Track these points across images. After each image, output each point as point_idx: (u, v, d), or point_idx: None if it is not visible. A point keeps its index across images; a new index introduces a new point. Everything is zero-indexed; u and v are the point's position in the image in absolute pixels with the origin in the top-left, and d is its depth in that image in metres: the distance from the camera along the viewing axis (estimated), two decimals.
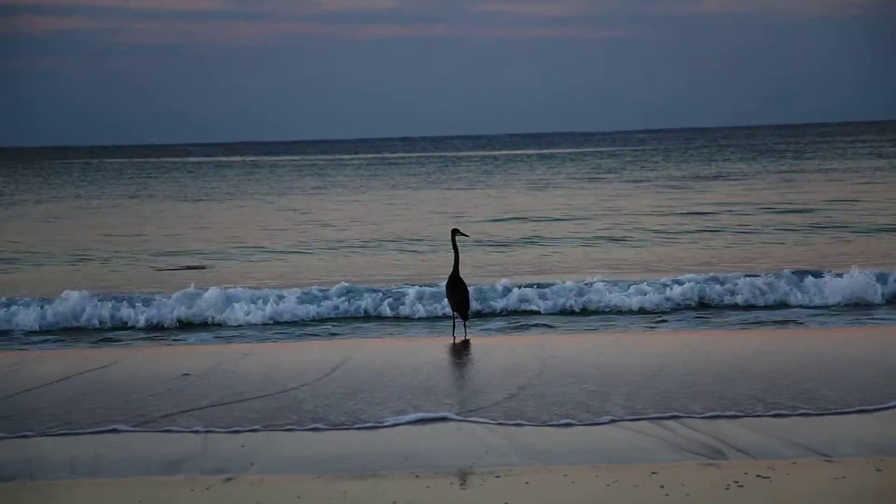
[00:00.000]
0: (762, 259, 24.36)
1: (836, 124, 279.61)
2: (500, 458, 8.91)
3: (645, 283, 19.64)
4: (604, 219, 36.10)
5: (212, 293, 18.92)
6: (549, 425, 9.81)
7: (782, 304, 19.09)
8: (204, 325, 18.31)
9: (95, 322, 18.34)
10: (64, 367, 13.23)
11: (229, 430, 9.97)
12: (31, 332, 17.90)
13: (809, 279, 19.55)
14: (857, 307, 18.71)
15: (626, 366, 12.50)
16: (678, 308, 18.92)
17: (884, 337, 15.31)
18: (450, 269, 15.33)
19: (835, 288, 19.16)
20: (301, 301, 18.92)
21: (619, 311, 18.83)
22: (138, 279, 23.77)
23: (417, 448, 9.26)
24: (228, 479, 8.51)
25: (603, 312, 18.80)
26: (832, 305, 18.86)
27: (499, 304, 18.93)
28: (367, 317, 18.80)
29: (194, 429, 9.95)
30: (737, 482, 8.07)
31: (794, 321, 17.52)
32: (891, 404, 10.38)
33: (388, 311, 18.86)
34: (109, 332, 18.03)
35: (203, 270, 25.40)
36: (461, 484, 8.25)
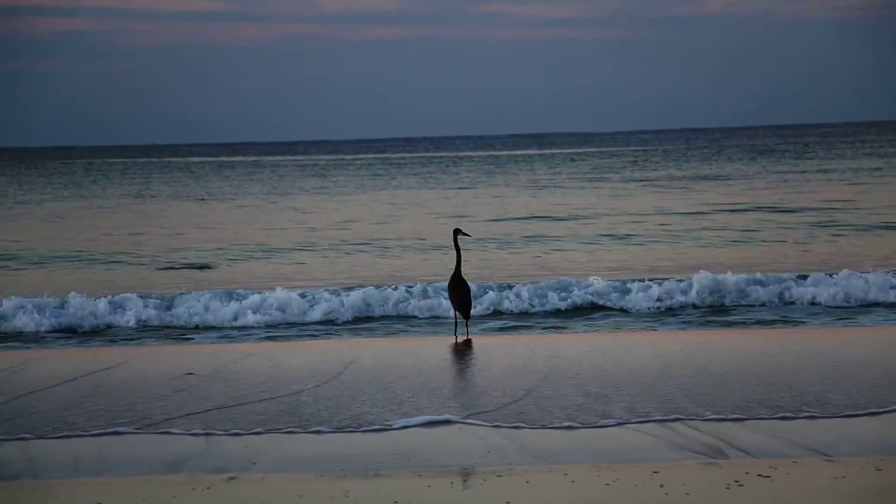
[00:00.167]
0: (765, 259, 24.37)
1: (837, 125, 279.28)
2: (501, 457, 8.93)
3: (646, 281, 19.66)
4: (605, 218, 36.12)
5: (216, 295, 18.96)
6: (550, 427, 9.81)
7: (788, 304, 19.08)
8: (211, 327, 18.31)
9: (101, 323, 18.33)
10: (70, 368, 13.24)
11: (229, 433, 9.99)
12: (41, 333, 17.91)
13: (812, 279, 19.58)
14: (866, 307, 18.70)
15: (627, 367, 12.51)
16: (681, 307, 18.93)
17: (887, 337, 15.34)
18: (452, 269, 15.35)
19: (840, 288, 19.13)
20: (305, 301, 18.93)
21: (622, 310, 18.85)
22: (143, 279, 23.79)
23: (420, 449, 9.28)
24: (231, 479, 8.54)
25: (603, 311, 18.83)
26: (839, 307, 18.81)
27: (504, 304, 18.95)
28: (370, 317, 18.81)
29: (193, 431, 9.94)
30: (737, 481, 8.09)
31: (797, 321, 17.55)
32: (894, 408, 10.37)
33: (391, 311, 18.88)
34: (115, 330, 18.04)
35: (208, 270, 25.42)
36: (463, 483, 8.27)
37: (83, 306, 18.53)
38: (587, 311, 18.85)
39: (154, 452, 9.36)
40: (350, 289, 19.68)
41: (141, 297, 19.26)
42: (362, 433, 9.79)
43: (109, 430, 10.02)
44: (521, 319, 18.35)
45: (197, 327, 18.25)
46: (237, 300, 18.93)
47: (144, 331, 18.04)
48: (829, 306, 18.84)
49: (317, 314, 18.64)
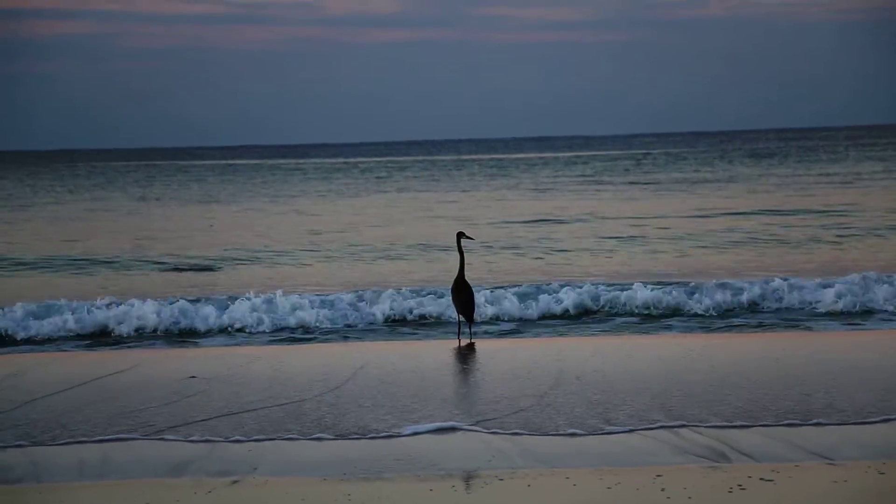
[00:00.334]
0: (771, 262, 24.38)
1: (839, 128, 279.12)
2: (504, 461, 8.93)
3: (648, 285, 19.67)
4: (609, 221, 36.12)
5: (221, 298, 18.99)
6: (554, 434, 9.77)
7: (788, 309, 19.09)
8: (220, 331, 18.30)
9: (108, 327, 18.30)
10: (74, 373, 13.26)
11: (229, 440, 9.99)
12: (54, 337, 17.91)
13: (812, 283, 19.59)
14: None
15: (631, 371, 12.51)
16: (687, 311, 18.93)
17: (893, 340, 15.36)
18: (455, 273, 15.36)
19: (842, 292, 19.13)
20: (312, 305, 18.93)
21: (630, 314, 18.86)
22: (148, 282, 23.83)
23: (423, 453, 9.28)
24: (234, 482, 8.56)
25: (607, 315, 18.83)
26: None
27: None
28: (373, 321, 18.79)
29: (191, 438, 9.92)
30: (740, 485, 8.10)
31: (802, 325, 17.55)
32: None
33: (396, 315, 18.86)
34: (120, 333, 18.04)
35: (214, 273, 25.45)
36: (465, 486, 8.29)
37: (89, 310, 18.53)
38: (589, 314, 18.84)
39: (158, 456, 9.37)
40: (356, 293, 19.70)
41: (144, 300, 19.26)
42: (368, 440, 9.77)
43: (111, 437, 10.00)
44: (522, 323, 18.37)
45: (200, 331, 18.23)
46: (243, 302, 18.93)
47: (149, 335, 18.03)
48: (842, 312, 18.73)
49: (323, 318, 18.60)
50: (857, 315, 18.42)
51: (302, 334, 17.81)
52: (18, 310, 18.47)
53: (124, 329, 18.20)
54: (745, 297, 19.18)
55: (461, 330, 15.50)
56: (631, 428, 9.85)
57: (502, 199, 50.75)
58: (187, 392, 11.76)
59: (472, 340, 15.20)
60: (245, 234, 35.29)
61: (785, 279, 19.83)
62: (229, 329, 18.24)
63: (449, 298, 17.29)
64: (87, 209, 51.18)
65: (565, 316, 18.85)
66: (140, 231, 37.57)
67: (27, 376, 13.01)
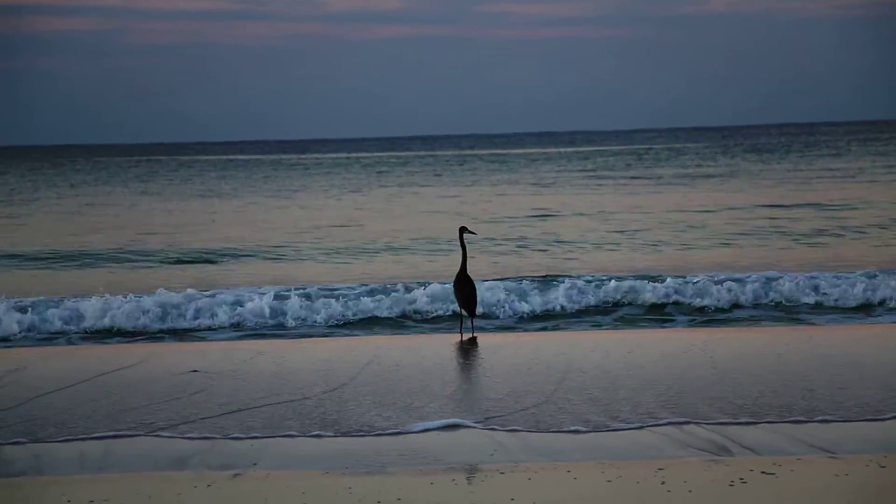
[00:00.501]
0: (776, 259, 24.37)
1: (840, 123, 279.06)
2: (506, 455, 8.93)
3: (646, 280, 19.67)
4: (610, 216, 36.11)
5: (227, 293, 19.01)
6: (554, 431, 9.74)
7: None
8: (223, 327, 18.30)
9: (114, 322, 18.29)
10: (76, 369, 13.25)
11: (229, 437, 9.98)
12: (53, 331, 17.91)
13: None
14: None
15: (633, 366, 12.51)
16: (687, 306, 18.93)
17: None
18: (458, 267, 15.36)
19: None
20: (316, 299, 18.93)
21: (631, 307, 18.84)
22: (152, 277, 23.83)
23: (425, 447, 9.27)
24: (235, 475, 8.56)
25: (609, 309, 18.83)
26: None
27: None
28: (375, 317, 18.78)
29: (188, 435, 9.89)
30: (741, 478, 8.10)
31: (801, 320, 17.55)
32: None
33: (399, 310, 18.86)
34: (123, 328, 18.05)
35: (214, 267, 25.46)
36: (466, 480, 8.29)
37: (96, 306, 18.53)
38: (591, 310, 18.84)
39: (159, 450, 9.38)
40: (360, 287, 19.70)
41: (141, 296, 19.26)
42: (371, 437, 9.73)
43: (111, 434, 9.95)
44: (523, 317, 18.37)
45: (201, 326, 18.24)
46: (249, 298, 18.94)
47: (152, 330, 18.02)
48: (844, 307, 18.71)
49: (326, 314, 18.60)
50: (860, 309, 18.42)
51: (304, 328, 17.83)
52: (35, 303, 18.55)
53: (129, 323, 18.20)
54: (747, 291, 19.16)
55: (463, 324, 15.50)
56: (636, 425, 9.81)
57: (503, 195, 50.75)
58: (190, 389, 11.73)
59: (474, 334, 15.20)
60: (246, 229, 35.30)
61: (787, 274, 19.82)
62: (232, 324, 18.24)
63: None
64: (87, 204, 51.18)
65: (567, 310, 18.84)
66: (141, 225, 37.58)
67: (30, 371, 13.01)
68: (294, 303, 18.76)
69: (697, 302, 18.95)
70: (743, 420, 9.88)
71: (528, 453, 8.99)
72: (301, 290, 19.46)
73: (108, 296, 18.87)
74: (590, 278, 20.00)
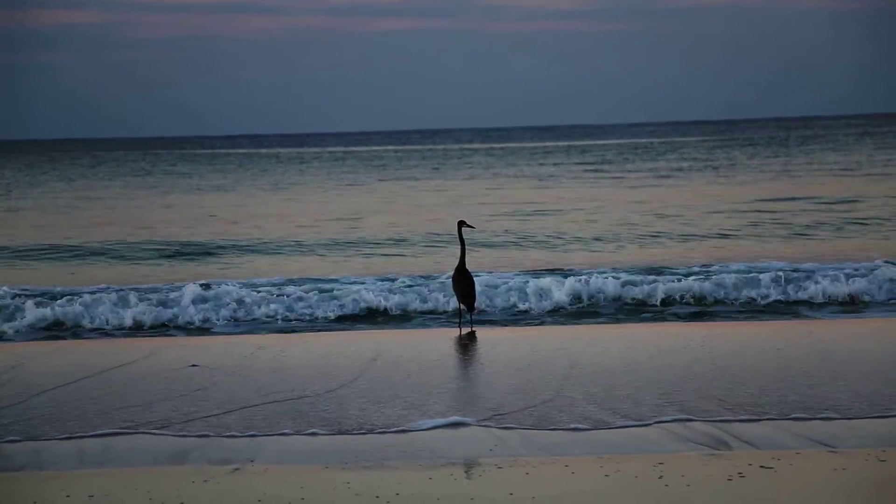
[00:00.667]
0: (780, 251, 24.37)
1: (836, 117, 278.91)
2: (506, 450, 8.93)
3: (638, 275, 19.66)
4: (609, 209, 36.11)
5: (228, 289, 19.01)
6: (551, 429, 9.69)
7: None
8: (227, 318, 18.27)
9: (114, 315, 18.26)
10: (76, 365, 13.25)
11: (225, 435, 9.98)
12: (48, 327, 17.87)
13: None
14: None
15: (630, 361, 12.50)
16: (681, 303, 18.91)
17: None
18: (456, 261, 15.37)
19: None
20: (315, 294, 18.92)
21: (628, 302, 18.83)
22: (152, 269, 23.83)
23: (425, 443, 9.27)
24: (235, 470, 8.56)
25: (607, 303, 18.82)
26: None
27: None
28: (372, 311, 18.75)
29: (184, 433, 9.88)
30: (740, 473, 8.11)
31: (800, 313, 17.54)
32: None
33: (399, 305, 18.82)
34: (124, 322, 18.03)
35: (214, 260, 25.45)
36: (465, 474, 8.29)
37: (98, 301, 18.51)
38: (588, 307, 18.83)
39: (158, 444, 9.38)
40: (359, 281, 19.69)
41: (142, 290, 19.24)
42: (372, 435, 9.66)
43: (108, 432, 9.89)
44: (522, 311, 18.36)
45: (203, 320, 18.22)
46: (253, 293, 18.93)
47: (154, 325, 17.99)
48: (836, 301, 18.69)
49: (325, 308, 18.59)
50: (859, 302, 18.41)
51: (305, 322, 17.83)
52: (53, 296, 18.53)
53: (130, 318, 18.16)
54: (746, 285, 19.15)
55: (462, 318, 15.50)
56: (636, 423, 9.76)
57: (502, 188, 50.72)
58: (190, 387, 11.64)
59: (473, 329, 15.21)
60: (246, 222, 35.28)
61: (787, 266, 19.82)
62: (232, 318, 18.24)
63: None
64: (87, 197, 51.15)
65: (565, 306, 18.81)
66: (142, 219, 37.57)
67: (29, 368, 13.00)
68: (293, 296, 18.76)
69: (694, 295, 18.90)
70: (743, 417, 9.85)
71: (528, 448, 8.99)
72: (297, 284, 19.43)
73: (110, 290, 18.86)
74: (586, 272, 19.98)
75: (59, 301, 18.40)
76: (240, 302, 18.59)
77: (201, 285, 19.34)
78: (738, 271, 19.76)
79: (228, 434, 9.70)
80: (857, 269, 19.44)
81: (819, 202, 36.48)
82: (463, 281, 15.00)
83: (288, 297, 18.81)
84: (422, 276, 20.23)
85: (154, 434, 9.75)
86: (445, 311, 18.24)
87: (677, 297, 18.78)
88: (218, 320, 18.11)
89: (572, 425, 9.72)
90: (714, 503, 7.56)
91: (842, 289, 18.65)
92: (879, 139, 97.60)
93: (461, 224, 15.20)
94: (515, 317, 17.98)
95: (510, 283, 19.26)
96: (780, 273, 19.33)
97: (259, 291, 19.07)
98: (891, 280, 18.77)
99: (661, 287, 18.99)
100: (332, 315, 18.36)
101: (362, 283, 19.68)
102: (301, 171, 76.05)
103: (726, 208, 35.66)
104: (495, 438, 9.32)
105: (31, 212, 43.16)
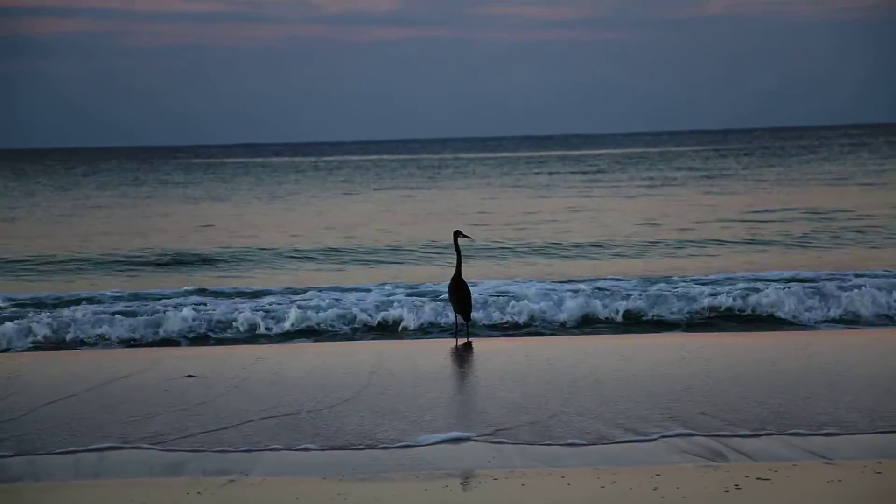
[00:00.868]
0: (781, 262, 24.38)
1: (838, 127, 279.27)
2: (503, 462, 8.91)
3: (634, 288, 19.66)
4: (606, 219, 36.13)
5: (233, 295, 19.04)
6: (548, 444, 9.62)
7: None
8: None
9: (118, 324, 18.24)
10: (72, 377, 13.22)
11: (216, 450, 9.96)
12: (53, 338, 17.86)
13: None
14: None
15: (626, 374, 12.48)
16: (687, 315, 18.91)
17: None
18: (452, 271, 15.35)
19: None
20: (315, 305, 18.92)
21: (623, 314, 18.84)
22: (150, 278, 23.82)
23: (423, 456, 9.24)
24: (230, 482, 8.55)
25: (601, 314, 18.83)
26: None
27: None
28: (368, 322, 18.73)
29: (183, 446, 9.82)
30: (736, 485, 8.10)
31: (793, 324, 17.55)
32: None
33: (395, 316, 18.80)
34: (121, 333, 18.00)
35: (210, 270, 25.45)
36: (460, 486, 8.28)
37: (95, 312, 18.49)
38: (587, 318, 18.83)
39: (154, 456, 9.36)
40: (356, 291, 19.70)
41: (139, 298, 19.23)
42: (370, 450, 9.58)
43: (104, 447, 9.82)
44: (518, 322, 18.36)
45: (210, 332, 18.18)
46: (256, 301, 18.95)
47: (155, 333, 17.97)
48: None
49: (323, 318, 18.58)
50: (853, 314, 18.42)
51: (302, 333, 17.83)
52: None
53: (128, 329, 18.13)
54: (739, 296, 19.16)
55: (458, 329, 15.49)
56: (633, 438, 9.69)
57: (499, 198, 50.74)
58: (187, 401, 11.47)
59: (470, 339, 15.19)
60: (244, 232, 35.28)
61: (783, 279, 19.84)
62: (233, 327, 18.23)
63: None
64: (82, 206, 51.13)
65: (560, 316, 18.81)
66: (140, 228, 37.56)
67: (28, 379, 12.96)
68: (290, 306, 18.76)
69: (689, 307, 18.89)
70: (742, 433, 9.75)
71: (525, 459, 8.98)
72: (297, 295, 19.44)
73: (110, 299, 18.85)
74: (584, 281, 20.00)
75: (56, 310, 18.40)
76: (235, 311, 18.59)
77: (198, 292, 19.35)
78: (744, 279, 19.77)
79: (224, 448, 9.65)
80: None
81: (812, 212, 36.53)
82: (459, 291, 14.99)
83: (285, 306, 18.82)
84: (416, 288, 20.22)
85: (149, 449, 9.71)
86: (441, 322, 18.25)
87: (682, 309, 18.81)
88: (214, 330, 18.10)
89: (569, 440, 9.64)
90: None
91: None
92: (875, 150, 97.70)
93: (457, 234, 15.19)
94: (511, 327, 17.98)
95: (507, 292, 19.27)
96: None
97: (256, 300, 19.07)
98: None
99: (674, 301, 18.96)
100: (326, 325, 18.35)
101: (358, 293, 19.67)
102: (297, 181, 76.05)
103: (721, 217, 35.70)
104: (494, 451, 9.30)
105: (25, 222, 43.14)
